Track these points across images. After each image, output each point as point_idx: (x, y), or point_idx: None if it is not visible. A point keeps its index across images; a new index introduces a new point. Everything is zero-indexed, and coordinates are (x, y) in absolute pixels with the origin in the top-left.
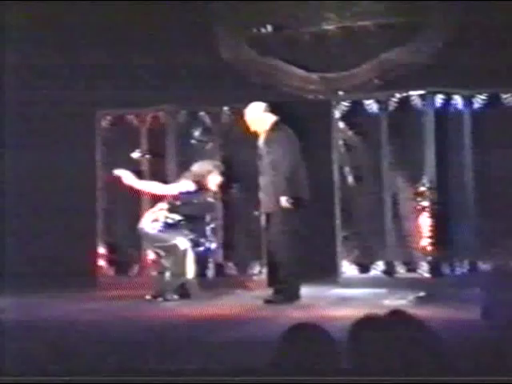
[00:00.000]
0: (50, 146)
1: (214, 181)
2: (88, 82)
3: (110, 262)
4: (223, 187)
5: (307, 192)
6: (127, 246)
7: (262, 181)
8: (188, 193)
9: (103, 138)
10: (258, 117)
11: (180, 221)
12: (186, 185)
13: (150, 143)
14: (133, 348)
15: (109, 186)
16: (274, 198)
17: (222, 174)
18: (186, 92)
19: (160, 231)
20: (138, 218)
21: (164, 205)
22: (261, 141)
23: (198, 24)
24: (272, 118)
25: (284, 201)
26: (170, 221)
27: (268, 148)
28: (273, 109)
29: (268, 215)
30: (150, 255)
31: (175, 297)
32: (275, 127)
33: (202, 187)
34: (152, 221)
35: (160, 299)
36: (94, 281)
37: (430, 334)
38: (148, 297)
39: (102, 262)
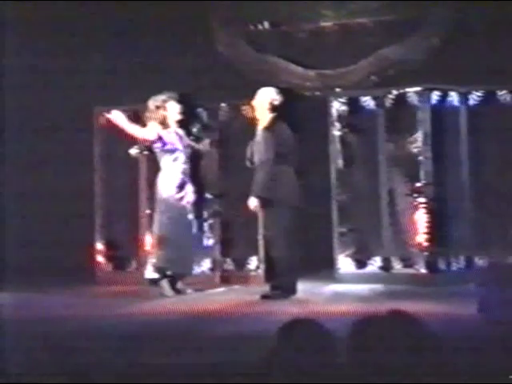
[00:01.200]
0: (47, 142)
1: (173, 110)
2: (85, 79)
3: (108, 257)
4: (185, 117)
5: (294, 197)
6: (125, 242)
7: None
8: (163, 142)
9: (101, 135)
10: (263, 106)
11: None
12: (152, 127)
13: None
14: (131, 343)
15: (107, 181)
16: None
17: (180, 101)
18: (184, 88)
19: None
20: (136, 213)
21: (165, 163)
22: (256, 137)
23: (196, 20)
24: (270, 115)
25: (251, 201)
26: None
27: (258, 146)
28: (274, 105)
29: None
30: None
31: (172, 292)
32: (271, 125)
33: (164, 124)
34: (168, 183)
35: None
36: (93, 276)
37: (425, 329)
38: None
39: (100, 258)
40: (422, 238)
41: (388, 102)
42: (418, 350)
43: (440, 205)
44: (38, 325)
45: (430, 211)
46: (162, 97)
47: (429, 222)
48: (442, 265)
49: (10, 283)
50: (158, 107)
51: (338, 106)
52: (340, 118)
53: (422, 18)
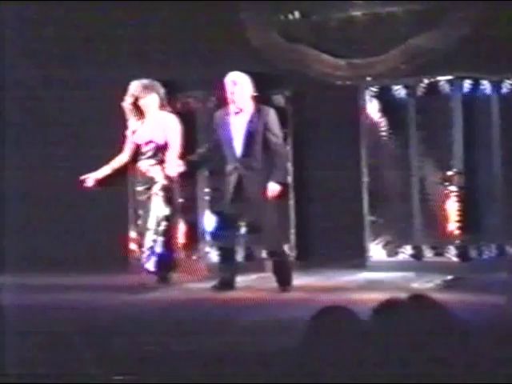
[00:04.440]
0: (82, 130)
1: (152, 102)
2: (117, 69)
3: (141, 245)
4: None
5: None
6: None
7: None
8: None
9: None
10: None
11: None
12: (132, 124)
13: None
14: (161, 331)
15: None
16: None
17: (159, 93)
18: (216, 78)
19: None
20: None
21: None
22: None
23: (227, 10)
24: (253, 102)
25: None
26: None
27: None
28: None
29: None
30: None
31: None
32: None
33: (141, 116)
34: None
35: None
36: (126, 265)
37: (456, 318)
38: None
39: (133, 246)
40: (453, 226)
41: (419, 91)
42: (447, 338)
43: (471, 193)
44: (67, 312)
45: (462, 199)
46: (144, 86)
47: (460, 211)
48: (473, 253)
49: (43, 271)
50: (137, 98)
51: (368, 95)
52: (371, 106)
53: (452, 5)
